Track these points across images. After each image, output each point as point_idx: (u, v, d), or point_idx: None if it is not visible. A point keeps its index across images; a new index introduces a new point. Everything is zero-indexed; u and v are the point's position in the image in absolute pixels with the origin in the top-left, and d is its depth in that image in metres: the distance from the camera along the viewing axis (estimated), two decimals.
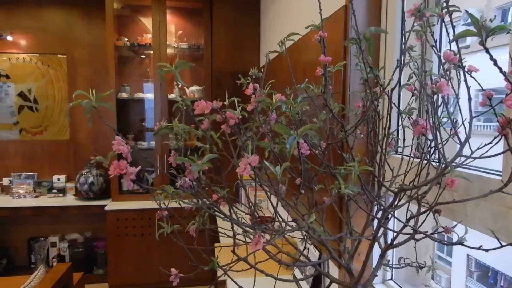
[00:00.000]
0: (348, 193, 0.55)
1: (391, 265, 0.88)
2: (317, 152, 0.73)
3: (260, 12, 3.42)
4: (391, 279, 1.35)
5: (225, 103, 0.76)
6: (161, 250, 3.23)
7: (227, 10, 3.40)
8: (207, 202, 0.68)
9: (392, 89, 0.75)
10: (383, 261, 0.79)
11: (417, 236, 0.81)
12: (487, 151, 0.84)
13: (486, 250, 0.58)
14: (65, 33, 3.55)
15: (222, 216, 0.74)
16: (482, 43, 0.43)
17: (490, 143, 0.70)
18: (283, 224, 0.65)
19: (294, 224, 0.73)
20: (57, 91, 3.59)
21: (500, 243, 0.57)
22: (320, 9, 0.81)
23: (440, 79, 0.60)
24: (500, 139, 0.71)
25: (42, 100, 3.58)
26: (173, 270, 0.80)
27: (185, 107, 0.75)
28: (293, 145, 0.47)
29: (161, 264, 3.23)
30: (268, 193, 0.74)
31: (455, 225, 0.73)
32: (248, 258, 0.80)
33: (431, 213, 0.82)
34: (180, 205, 0.83)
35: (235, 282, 0.78)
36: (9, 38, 3.43)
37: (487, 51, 0.45)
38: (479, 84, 0.80)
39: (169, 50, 3.44)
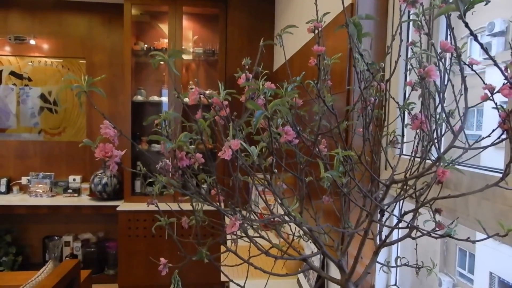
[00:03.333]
0: (327, 177, 0.53)
1: (388, 265, 0.85)
2: (307, 140, 0.72)
3: (274, 18, 3.44)
4: (395, 284, 1.30)
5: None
6: (172, 252, 3.24)
7: (242, 16, 3.43)
8: (193, 189, 0.67)
9: (387, 80, 0.73)
10: (376, 258, 0.77)
11: (414, 235, 0.78)
12: (487, 146, 0.81)
13: (474, 242, 0.55)
14: (86, 38, 3.65)
15: (215, 206, 0.73)
16: (461, 16, 0.41)
17: (488, 136, 0.68)
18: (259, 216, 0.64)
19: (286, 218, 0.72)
20: (76, 94, 3.69)
21: (486, 233, 0.54)
22: (316, 2, 0.80)
23: (431, 65, 0.58)
24: (502, 134, 0.68)
25: (62, 102, 3.69)
26: (162, 259, 0.80)
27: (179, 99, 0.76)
28: (259, 119, 0.46)
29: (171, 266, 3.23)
30: (254, 181, 0.73)
31: (452, 222, 0.69)
32: (244, 254, 0.79)
33: (431, 214, 0.80)
34: (174, 197, 0.83)
35: (223, 273, 0.77)
36: (32, 42, 3.56)
37: (466, 25, 0.43)
38: (479, 76, 0.77)
39: (186, 55, 3.49)
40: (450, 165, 0.60)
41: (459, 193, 0.89)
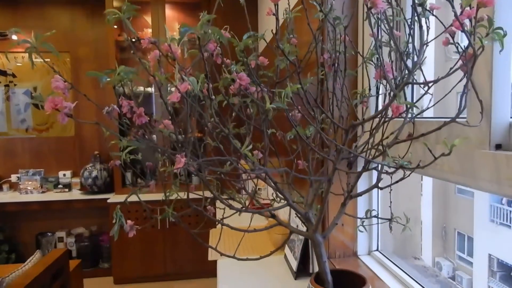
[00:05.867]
0: (271, 108, 0.52)
1: (358, 217, 0.84)
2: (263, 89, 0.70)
3: (257, 2, 3.41)
4: (377, 249, 1.30)
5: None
6: (165, 242, 3.23)
7: (225, 2, 3.39)
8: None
9: (345, 27, 0.72)
10: (344, 210, 0.76)
11: (381, 185, 0.77)
12: (449, 92, 0.81)
13: (422, 167, 0.55)
14: (69, 31, 3.62)
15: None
16: None
17: (448, 75, 0.67)
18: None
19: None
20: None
21: (433, 155, 0.53)
22: None
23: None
24: (464, 76, 0.68)
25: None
26: (129, 221, 0.79)
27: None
28: (184, 34, 0.45)
29: (165, 256, 3.23)
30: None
31: (412, 170, 0.68)
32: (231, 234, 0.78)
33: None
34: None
35: (195, 237, 0.76)
36: (14, 37, 3.52)
37: None
38: (440, 21, 0.76)
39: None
40: (406, 101, 0.59)
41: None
